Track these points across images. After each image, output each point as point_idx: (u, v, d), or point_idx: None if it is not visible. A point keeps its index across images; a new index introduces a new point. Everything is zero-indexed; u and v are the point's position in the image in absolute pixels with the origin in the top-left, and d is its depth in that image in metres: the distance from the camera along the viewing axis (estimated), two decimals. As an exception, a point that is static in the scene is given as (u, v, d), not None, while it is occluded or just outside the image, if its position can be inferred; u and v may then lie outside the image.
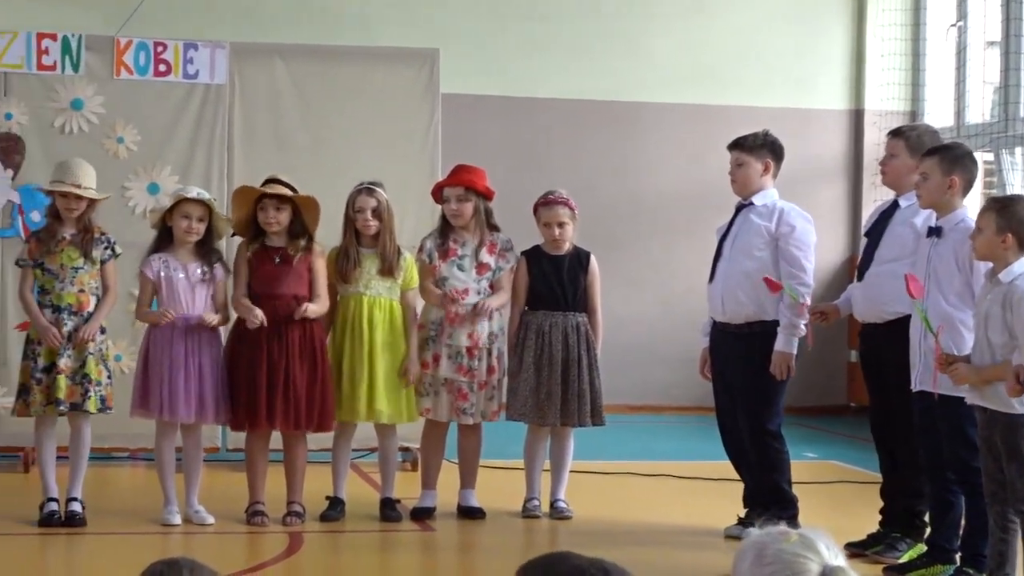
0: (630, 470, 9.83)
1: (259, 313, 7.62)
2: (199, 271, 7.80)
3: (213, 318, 7.72)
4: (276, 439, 7.97)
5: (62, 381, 7.62)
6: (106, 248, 7.84)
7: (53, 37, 9.60)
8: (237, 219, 7.88)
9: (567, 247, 8.30)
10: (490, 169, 8.39)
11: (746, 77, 13.61)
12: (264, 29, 11.42)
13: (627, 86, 13.45)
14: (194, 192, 7.90)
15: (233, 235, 8.02)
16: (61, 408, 7.66)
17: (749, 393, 7.65)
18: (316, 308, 7.78)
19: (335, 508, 8.02)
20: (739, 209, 7.84)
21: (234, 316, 7.88)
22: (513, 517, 8.19)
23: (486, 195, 8.21)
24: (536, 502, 8.24)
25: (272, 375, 7.68)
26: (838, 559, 2.85)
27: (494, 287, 8.18)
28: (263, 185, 7.87)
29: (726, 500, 8.12)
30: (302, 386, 7.74)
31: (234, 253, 8.09)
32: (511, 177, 11.27)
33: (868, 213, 8.67)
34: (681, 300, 12.89)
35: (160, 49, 9.71)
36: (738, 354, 7.69)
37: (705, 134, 13.22)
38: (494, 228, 8.26)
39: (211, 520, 7.79)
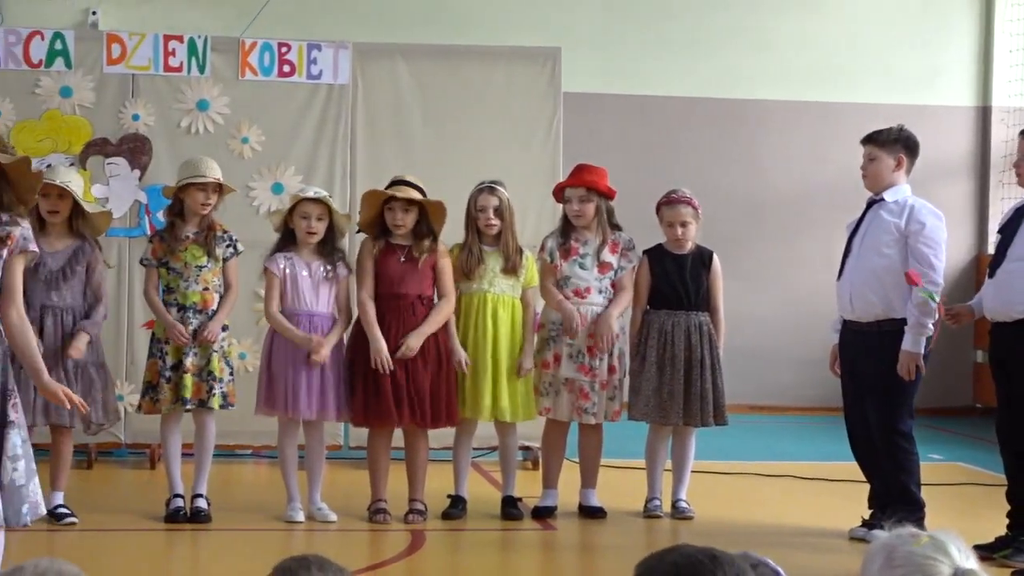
0: (753, 470, 9.76)
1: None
2: (322, 270, 7.85)
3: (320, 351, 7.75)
4: (397, 437, 8.00)
5: (189, 380, 7.72)
6: (228, 246, 7.92)
7: (180, 39, 9.72)
8: (364, 219, 7.91)
9: (690, 246, 8.26)
10: (611, 167, 8.36)
11: (869, 73, 13.46)
12: (386, 29, 11.49)
13: (749, 83, 13.36)
14: (311, 192, 7.96)
15: (359, 232, 8.05)
16: (188, 406, 7.76)
17: (879, 392, 7.54)
18: (438, 319, 7.82)
19: (457, 506, 8.04)
20: (870, 205, 7.74)
21: (355, 314, 7.93)
22: (634, 517, 8.15)
23: (608, 195, 8.18)
24: (658, 502, 8.20)
25: (395, 372, 7.72)
26: (969, 561, 2.80)
27: (616, 286, 8.16)
28: (389, 186, 7.89)
29: (850, 501, 8.03)
30: (426, 383, 7.77)
31: (357, 251, 8.14)
32: (632, 175, 11.24)
33: (996, 211, 8.54)
34: (804, 299, 12.79)
35: (284, 50, 9.80)
36: (868, 353, 7.58)
37: (828, 132, 13.11)
38: (616, 227, 8.24)
39: (334, 517, 7.83)
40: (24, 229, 5.21)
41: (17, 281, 5.21)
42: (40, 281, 7.57)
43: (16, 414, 5.16)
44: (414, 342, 7.70)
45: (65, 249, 7.68)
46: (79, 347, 7.62)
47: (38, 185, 5.50)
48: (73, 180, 7.76)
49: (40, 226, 7.57)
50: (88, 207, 7.79)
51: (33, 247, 5.25)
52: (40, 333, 7.43)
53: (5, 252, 5.14)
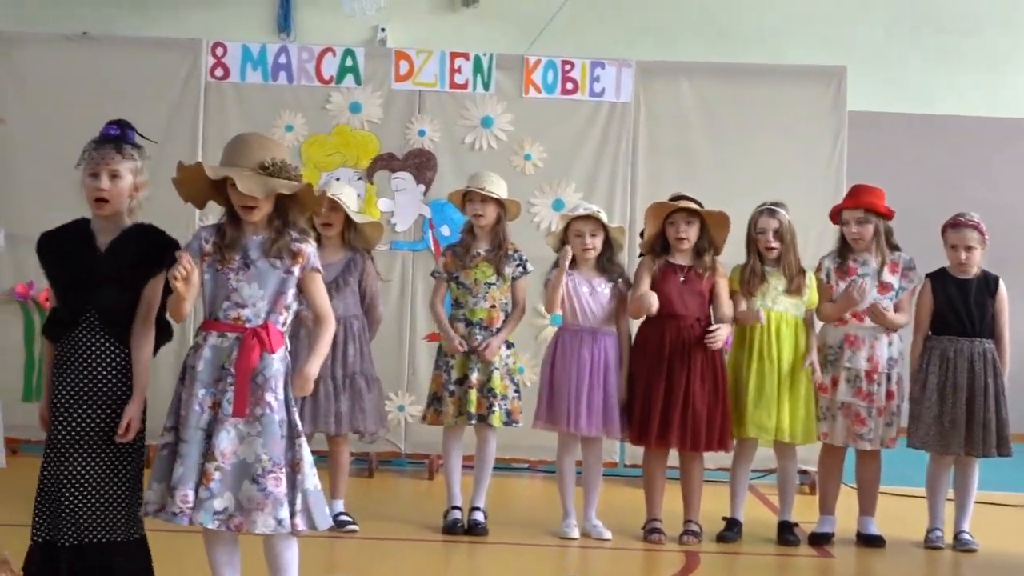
0: (1038, 503, 9.46)
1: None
2: (602, 287, 7.88)
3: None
4: (673, 456, 7.97)
5: (473, 394, 7.81)
6: (518, 265, 7.99)
7: (466, 56, 9.88)
8: (649, 233, 7.91)
9: (974, 271, 8.05)
10: (895, 187, 8.21)
11: None
12: (669, 47, 11.47)
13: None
14: (582, 209, 7.99)
15: (641, 255, 8.04)
16: (472, 420, 7.86)
17: None
18: (724, 332, 7.77)
19: (732, 529, 7.97)
20: None
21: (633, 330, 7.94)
22: (915, 547, 7.97)
23: (886, 216, 8.04)
24: (939, 532, 8.00)
25: (671, 393, 7.70)
26: None
27: (896, 308, 8.01)
28: (671, 200, 7.89)
29: None
30: (702, 406, 7.73)
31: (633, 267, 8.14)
32: (917, 196, 11.02)
33: None
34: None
35: (568, 68, 9.88)
36: None
37: None
38: (894, 247, 8.09)
39: (608, 535, 7.84)
40: (312, 247, 5.38)
41: (316, 294, 5.38)
42: None
43: (301, 423, 5.34)
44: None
45: (338, 262, 7.82)
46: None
47: (323, 202, 5.67)
48: (344, 193, 7.91)
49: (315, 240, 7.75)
50: (358, 219, 7.92)
51: (319, 264, 5.40)
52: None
53: (297, 269, 5.30)
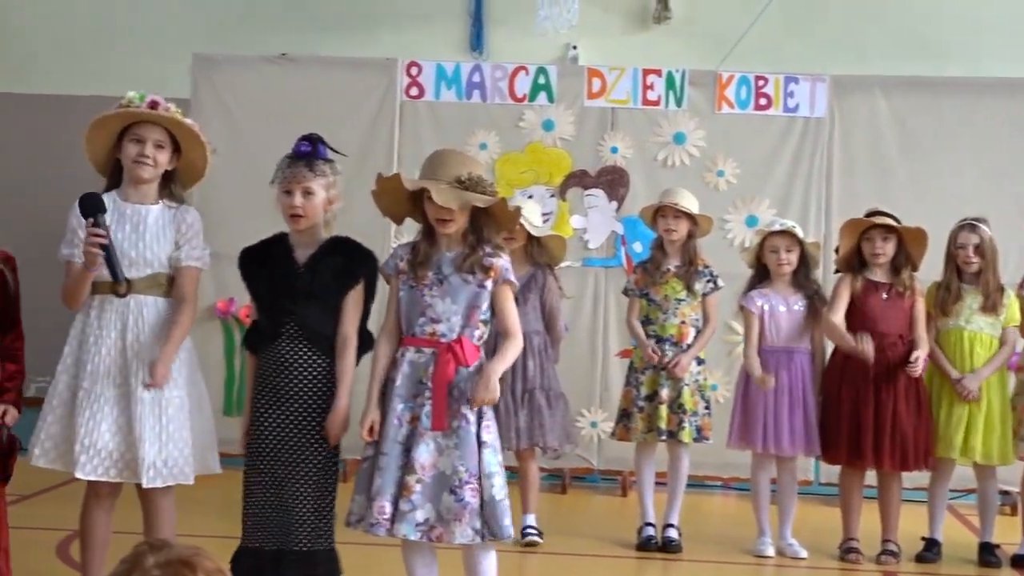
0: None
1: (870, 350, 7.55)
2: (797, 304, 7.81)
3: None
4: (869, 475, 7.87)
5: (663, 411, 7.79)
6: (708, 281, 7.96)
7: (658, 73, 9.89)
8: (844, 250, 7.82)
9: None
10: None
11: None
12: (864, 62, 11.31)
13: None
14: (777, 224, 7.93)
15: (836, 271, 7.95)
16: (662, 436, 7.84)
17: None
18: (923, 356, 7.64)
19: (931, 549, 7.83)
20: None
21: (829, 346, 7.84)
22: (1122, 571, 7.77)
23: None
24: None
25: (879, 413, 7.59)
26: None
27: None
28: (867, 216, 7.80)
29: None
30: (908, 425, 7.61)
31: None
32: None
33: None
34: None
35: (761, 83, 9.83)
36: None
37: None
38: None
39: (804, 554, 7.77)
40: (505, 261, 5.43)
41: (505, 308, 5.42)
42: None
43: (489, 435, 5.36)
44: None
45: (520, 277, 7.79)
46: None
47: (517, 218, 5.72)
48: (527, 208, 7.94)
49: None
50: (538, 232, 7.90)
51: (513, 278, 5.45)
52: None
53: (489, 283, 5.35)
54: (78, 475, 5.53)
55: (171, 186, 5.83)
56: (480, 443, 5.31)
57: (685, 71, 9.90)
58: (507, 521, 5.33)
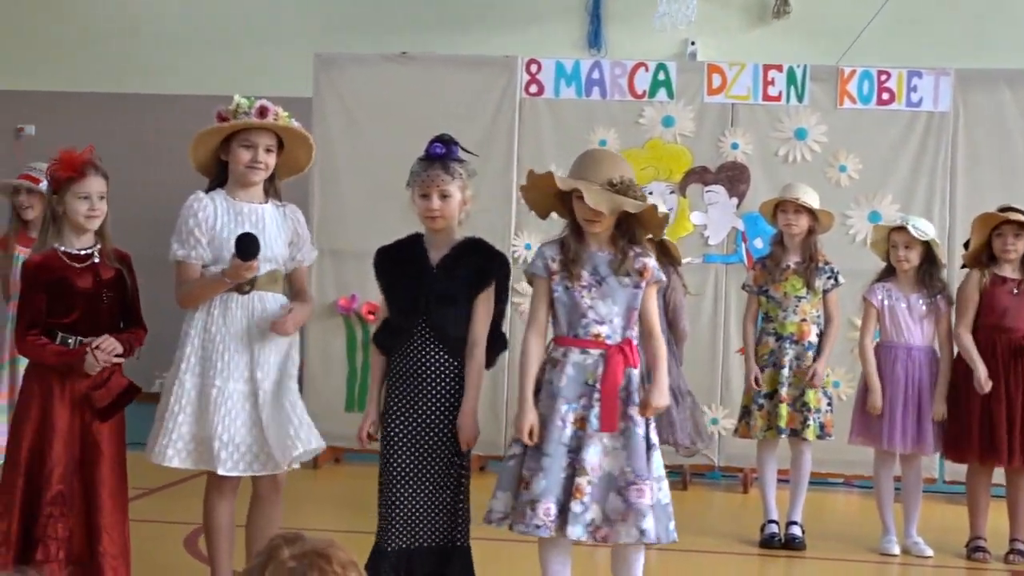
0: None
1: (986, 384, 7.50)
2: (920, 302, 7.73)
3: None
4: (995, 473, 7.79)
5: (783, 409, 7.75)
6: (829, 278, 7.89)
7: (779, 68, 9.82)
8: (974, 245, 7.72)
9: None
10: None
11: None
12: (989, 54, 11.19)
13: None
14: (899, 220, 7.84)
15: (963, 267, 7.87)
16: (782, 434, 7.80)
17: None
18: None
19: (1060, 549, 7.73)
20: None
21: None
22: None
23: None
24: None
25: (1010, 410, 7.49)
26: None
27: None
28: (1001, 211, 7.69)
29: None
30: None
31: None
32: None
33: None
34: None
35: (884, 78, 9.73)
36: None
37: None
38: None
39: (930, 552, 7.69)
40: (654, 260, 5.48)
41: (652, 308, 5.45)
42: None
43: (656, 437, 5.39)
44: None
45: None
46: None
47: (664, 224, 5.74)
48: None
49: None
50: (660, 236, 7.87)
51: (662, 277, 5.52)
52: None
53: (643, 283, 5.38)
54: (220, 472, 5.61)
55: (274, 183, 5.89)
56: (649, 445, 5.33)
57: (806, 66, 9.82)
58: (673, 524, 5.38)
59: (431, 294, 5.50)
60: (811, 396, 7.77)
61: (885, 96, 9.71)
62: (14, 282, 7.86)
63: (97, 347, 5.52)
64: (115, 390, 5.60)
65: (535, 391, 5.38)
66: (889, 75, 9.74)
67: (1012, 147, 9.63)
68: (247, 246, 5.52)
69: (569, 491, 5.23)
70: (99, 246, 5.69)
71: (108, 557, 5.55)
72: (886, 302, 7.74)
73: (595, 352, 5.33)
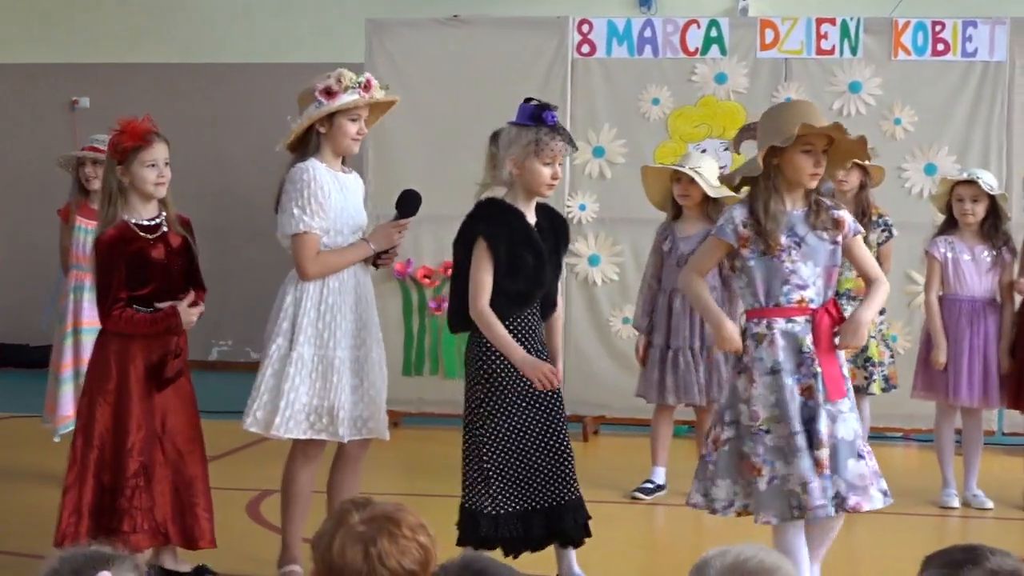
0: None
1: None
2: (986, 254, 7.69)
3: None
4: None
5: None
6: (883, 230, 7.87)
7: (832, 22, 9.75)
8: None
9: None
10: None
11: None
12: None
13: None
14: (965, 174, 7.80)
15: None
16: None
17: None
18: None
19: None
20: None
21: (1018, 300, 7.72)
22: None
23: None
24: None
25: None
26: None
27: None
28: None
29: None
30: None
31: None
32: None
33: None
34: None
35: (938, 28, 9.64)
36: None
37: None
38: None
39: (990, 505, 7.69)
40: (847, 212, 5.43)
41: (863, 257, 5.44)
42: (673, 266, 7.75)
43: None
44: None
45: (696, 234, 7.72)
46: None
47: (864, 145, 5.50)
48: (704, 166, 7.88)
49: (676, 213, 7.83)
50: (713, 192, 7.79)
51: (860, 228, 5.45)
52: (670, 313, 7.73)
53: (840, 237, 5.31)
54: (344, 439, 5.74)
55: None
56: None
57: (860, 19, 9.75)
58: (881, 485, 5.31)
59: (550, 263, 5.63)
60: (873, 349, 7.77)
61: (940, 47, 9.63)
62: (76, 254, 7.94)
63: (190, 305, 5.63)
64: (185, 359, 5.69)
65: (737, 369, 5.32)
66: (944, 25, 9.65)
67: (1069, 95, 9.55)
68: (413, 201, 5.75)
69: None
70: (164, 214, 5.76)
71: (203, 514, 5.77)
72: (949, 255, 7.70)
73: (801, 319, 5.22)
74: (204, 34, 12.87)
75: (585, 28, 9.96)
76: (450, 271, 5.91)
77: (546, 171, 5.53)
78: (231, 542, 6.29)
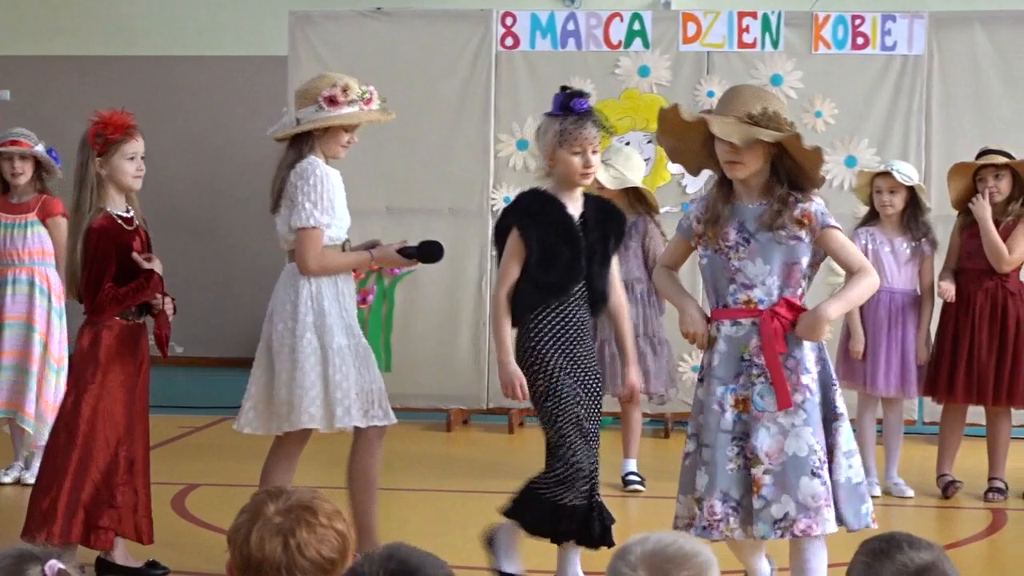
0: None
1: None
2: (904, 246, 7.77)
3: None
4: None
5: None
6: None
7: (753, 15, 9.82)
8: (955, 193, 7.76)
9: None
10: None
11: None
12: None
13: None
14: (882, 166, 7.89)
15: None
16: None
17: None
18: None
19: (1040, 487, 7.81)
20: None
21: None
22: None
23: None
24: None
25: (977, 349, 7.56)
26: None
27: None
28: (978, 158, 7.73)
29: None
30: (998, 361, 7.58)
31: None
32: None
33: None
34: None
35: (858, 22, 9.74)
36: None
37: None
38: None
39: (910, 493, 7.78)
40: (818, 204, 4.89)
41: (842, 249, 4.97)
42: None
43: (844, 405, 4.95)
44: None
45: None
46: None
47: (820, 159, 4.95)
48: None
49: None
50: (611, 184, 7.77)
51: (830, 221, 4.89)
52: None
53: (805, 233, 4.83)
54: (394, 421, 5.82)
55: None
56: (837, 415, 4.85)
57: (781, 13, 9.82)
58: (866, 507, 4.88)
59: (590, 254, 5.48)
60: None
61: (859, 40, 9.72)
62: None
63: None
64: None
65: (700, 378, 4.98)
66: (863, 19, 9.75)
67: (986, 88, 9.65)
68: (436, 254, 5.81)
69: (747, 485, 4.73)
70: (132, 210, 5.78)
71: (145, 512, 5.80)
72: (870, 246, 7.76)
73: (746, 321, 4.81)
74: (126, 26, 12.76)
75: (509, 21, 9.98)
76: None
77: (576, 160, 5.42)
78: (167, 538, 6.25)
